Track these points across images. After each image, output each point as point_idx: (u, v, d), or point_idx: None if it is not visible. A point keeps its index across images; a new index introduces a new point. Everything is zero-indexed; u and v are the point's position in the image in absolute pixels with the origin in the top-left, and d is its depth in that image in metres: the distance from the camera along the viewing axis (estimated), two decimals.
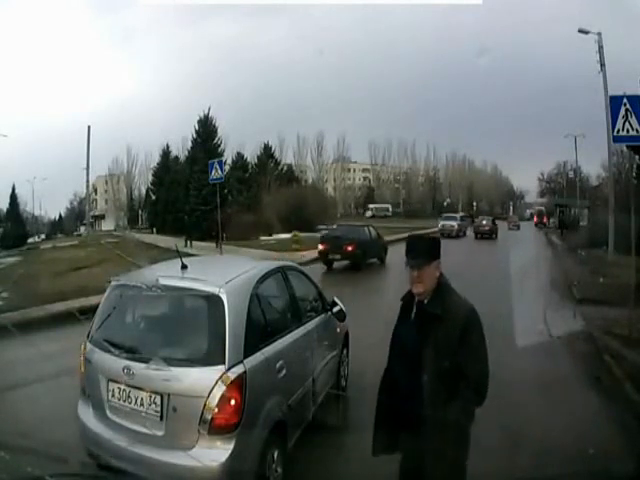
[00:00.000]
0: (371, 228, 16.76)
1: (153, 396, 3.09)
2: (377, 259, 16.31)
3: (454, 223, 26.62)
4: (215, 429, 2.98)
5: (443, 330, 2.60)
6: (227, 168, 28.95)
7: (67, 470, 2.44)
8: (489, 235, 25.86)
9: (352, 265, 14.97)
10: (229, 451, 2.97)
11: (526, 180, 61.52)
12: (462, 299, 2.75)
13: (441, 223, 26.77)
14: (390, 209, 36.00)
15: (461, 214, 31.88)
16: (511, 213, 45.95)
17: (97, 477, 2.69)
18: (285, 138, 43.26)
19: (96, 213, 44.39)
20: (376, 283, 13.42)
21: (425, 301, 2.74)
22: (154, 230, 34.71)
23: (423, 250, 2.77)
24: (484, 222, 27.27)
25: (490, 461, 3.74)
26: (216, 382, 3.00)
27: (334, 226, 19.68)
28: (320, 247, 15.32)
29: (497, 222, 28.26)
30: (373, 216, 25.71)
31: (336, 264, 15.25)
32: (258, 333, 3.45)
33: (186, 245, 21.48)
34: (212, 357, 3.10)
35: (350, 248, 14.62)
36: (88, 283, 10.14)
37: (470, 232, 27.66)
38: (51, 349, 6.36)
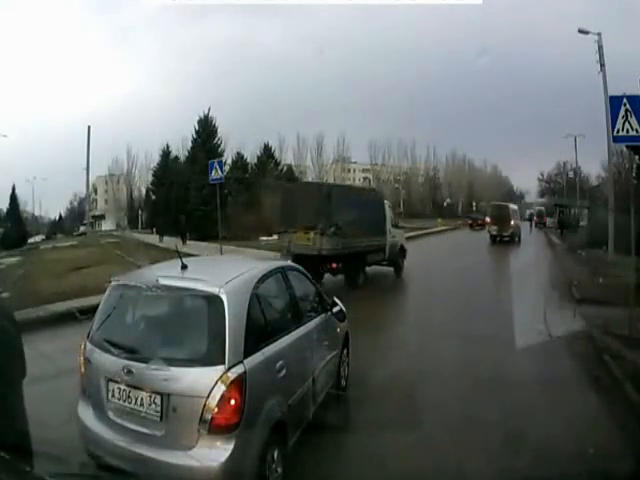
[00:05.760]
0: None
1: (153, 396, 3.09)
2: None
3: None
4: (215, 429, 2.98)
5: None
6: (227, 168, 28.96)
7: (67, 470, 2.44)
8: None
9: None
10: (229, 451, 2.97)
11: (526, 180, 61.71)
12: None
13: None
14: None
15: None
16: None
17: (97, 477, 2.69)
18: (285, 138, 43.28)
19: (96, 213, 44.39)
20: None
21: None
22: (154, 230, 34.69)
23: None
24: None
25: (490, 461, 3.75)
26: (216, 382, 3.00)
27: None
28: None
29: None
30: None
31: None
32: (258, 333, 3.45)
33: (184, 243, 21.51)
34: (212, 357, 3.10)
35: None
36: (88, 283, 10.13)
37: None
38: (51, 349, 6.36)
